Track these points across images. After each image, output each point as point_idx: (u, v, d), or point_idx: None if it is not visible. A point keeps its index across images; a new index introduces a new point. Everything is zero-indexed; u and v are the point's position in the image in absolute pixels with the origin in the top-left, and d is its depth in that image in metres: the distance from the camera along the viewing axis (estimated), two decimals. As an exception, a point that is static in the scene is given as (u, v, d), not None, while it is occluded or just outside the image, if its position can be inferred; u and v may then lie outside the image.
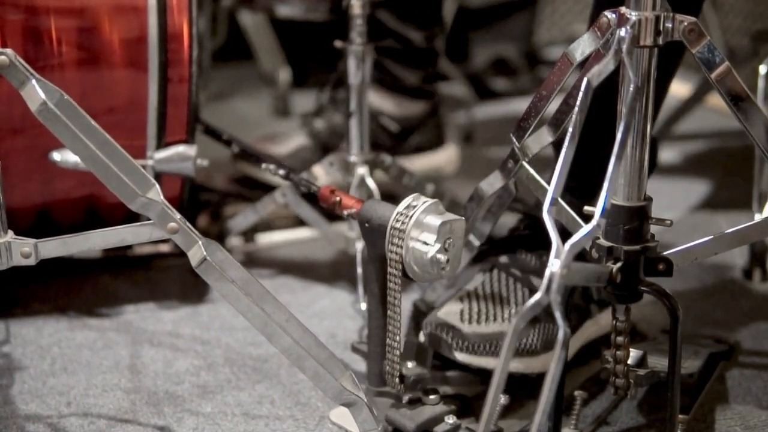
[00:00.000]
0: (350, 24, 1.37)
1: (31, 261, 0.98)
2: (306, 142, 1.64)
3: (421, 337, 1.15)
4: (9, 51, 0.93)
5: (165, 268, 1.47)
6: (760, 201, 1.41)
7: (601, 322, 1.21)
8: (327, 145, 1.63)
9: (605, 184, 0.88)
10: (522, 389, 1.11)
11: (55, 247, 0.99)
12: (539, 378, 1.09)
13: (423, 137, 1.62)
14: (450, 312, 1.15)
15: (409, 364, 1.10)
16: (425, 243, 1.01)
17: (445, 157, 1.67)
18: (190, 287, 1.41)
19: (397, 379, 1.07)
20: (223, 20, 2.39)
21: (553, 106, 1.02)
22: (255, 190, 1.60)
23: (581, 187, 1.13)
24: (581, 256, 0.89)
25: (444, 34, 1.73)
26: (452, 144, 1.72)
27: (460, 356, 1.12)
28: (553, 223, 0.86)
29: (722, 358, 1.23)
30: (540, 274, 1.17)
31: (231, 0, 2.28)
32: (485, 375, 1.09)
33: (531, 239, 1.22)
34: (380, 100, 1.61)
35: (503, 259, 1.22)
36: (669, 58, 1.08)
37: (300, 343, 1.01)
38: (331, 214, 1.26)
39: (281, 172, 1.32)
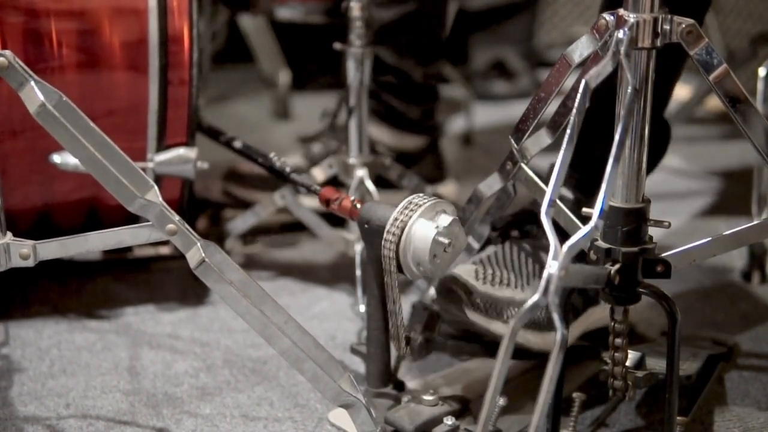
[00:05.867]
0: (349, 26, 1.37)
1: (30, 262, 0.98)
2: (304, 163, 1.64)
3: (431, 292, 1.15)
4: (8, 53, 0.93)
5: (164, 270, 1.47)
6: (759, 203, 1.41)
7: None
8: None
9: (603, 186, 0.88)
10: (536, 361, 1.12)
11: (54, 248, 0.99)
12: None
13: (421, 172, 1.60)
14: (464, 270, 1.15)
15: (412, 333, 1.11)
16: (433, 224, 1.02)
17: (443, 193, 1.65)
18: (189, 289, 1.42)
19: (403, 343, 1.07)
20: (223, 23, 2.39)
21: (552, 107, 1.02)
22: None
23: (589, 185, 1.13)
24: (580, 257, 0.89)
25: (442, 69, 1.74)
26: (452, 180, 1.71)
27: (470, 314, 1.12)
28: (551, 225, 0.86)
29: (721, 359, 1.22)
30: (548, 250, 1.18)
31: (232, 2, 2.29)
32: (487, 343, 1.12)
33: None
34: (377, 132, 1.61)
35: (515, 233, 1.22)
36: (672, 61, 1.07)
37: (299, 345, 1.01)
38: (331, 216, 1.26)
39: (287, 169, 1.32)
